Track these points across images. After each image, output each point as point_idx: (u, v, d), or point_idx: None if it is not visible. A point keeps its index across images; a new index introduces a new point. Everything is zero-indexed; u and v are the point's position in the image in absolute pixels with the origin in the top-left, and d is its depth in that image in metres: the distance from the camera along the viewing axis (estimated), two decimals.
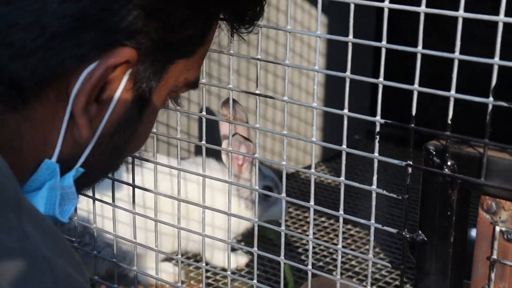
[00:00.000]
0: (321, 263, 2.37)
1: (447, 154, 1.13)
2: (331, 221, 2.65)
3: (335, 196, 2.84)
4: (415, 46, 1.10)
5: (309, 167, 3.18)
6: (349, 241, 2.54)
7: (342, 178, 1.23)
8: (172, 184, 2.21)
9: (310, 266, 1.32)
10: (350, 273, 2.31)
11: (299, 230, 2.59)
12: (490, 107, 1.06)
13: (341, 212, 1.25)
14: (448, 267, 1.16)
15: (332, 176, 3.08)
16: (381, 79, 1.16)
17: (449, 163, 1.13)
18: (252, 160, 2.36)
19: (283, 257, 1.35)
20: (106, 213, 1.96)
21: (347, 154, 1.22)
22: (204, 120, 1.40)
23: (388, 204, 2.79)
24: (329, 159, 3.28)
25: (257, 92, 1.29)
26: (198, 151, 2.73)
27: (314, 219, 2.65)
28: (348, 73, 1.19)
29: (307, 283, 2.18)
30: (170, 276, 2.24)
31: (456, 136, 1.11)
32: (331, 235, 2.57)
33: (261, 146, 3.02)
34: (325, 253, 2.43)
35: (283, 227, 1.33)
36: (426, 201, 1.16)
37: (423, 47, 1.10)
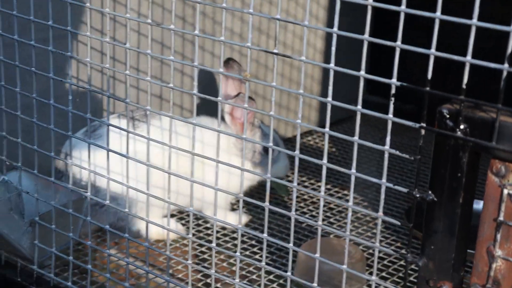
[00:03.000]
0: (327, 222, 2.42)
1: (460, 118, 1.17)
2: (328, 186, 2.69)
3: (331, 162, 2.89)
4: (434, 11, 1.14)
5: (309, 132, 3.25)
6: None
7: (356, 137, 1.27)
8: (176, 142, 2.24)
9: (320, 222, 1.37)
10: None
11: (305, 196, 2.63)
12: (504, 73, 1.10)
13: (353, 170, 1.29)
14: (455, 227, 1.21)
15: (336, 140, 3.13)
16: (398, 42, 1.20)
17: (461, 126, 1.17)
18: (254, 120, 2.39)
19: (293, 212, 1.39)
20: (111, 167, 1.99)
21: (345, 122, 1.27)
22: (221, 77, 1.43)
23: (395, 172, 2.83)
24: (337, 122, 3.31)
25: (275, 51, 1.33)
26: (199, 111, 2.76)
27: (317, 185, 2.70)
28: (366, 35, 1.22)
29: (307, 243, 2.23)
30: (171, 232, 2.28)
31: (470, 100, 1.15)
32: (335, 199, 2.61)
33: (276, 103, 3.07)
34: (323, 216, 2.48)
35: (295, 183, 1.37)
36: (437, 162, 1.21)
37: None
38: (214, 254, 1.53)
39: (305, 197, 2.62)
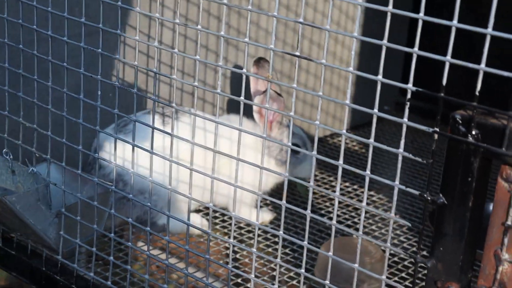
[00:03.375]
0: (342, 225, 2.45)
1: (473, 124, 1.20)
2: (355, 186, 2.72)
3: (360, 163, 2.91)
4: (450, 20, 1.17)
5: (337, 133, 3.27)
6: (371, 206, 2.62)
7: (371, 140, 1.30)
8: (205, 139, 2.29)
9: (334, 221, 1.40)
10: (369, 237, 2.38)
11: (330, 196, 2.67)
12: None
13: (368, 172, 1.32)
14: (465, 230, 1.24)
15: (359, 143, 3.15)
16: (415, 48, 1.23)
17: (473, 132, 1.20)
18: (282, 119, 2.43)
19: (309, 211, 1.42)
20: (140, 162, 2.03)
21: (376, 123, 1.30)
22: (244, 77, 1.47)
23: (411, 174, 2.86)
24: (357, 127, 3.35)
25: (297, 53, 1.36)
26: (229, 109, 2.81)
27: (344, 185, 2.73)
28: (385, 41, 1.25)
29: (329, 242, 2.25)
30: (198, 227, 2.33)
31: (482, 107, 1.18)
32: (354, 200, 2.65)
33: (308, 103, 3.10)
34: (347, 216, 2.51)
35: (312, 183, 1.40)
36: (449, 167, 1.23)
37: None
38: (231, 251, 1.57)
39: (331, 197, 2.65)
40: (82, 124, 1.72)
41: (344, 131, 1.35)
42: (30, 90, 1.82)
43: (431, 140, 1.26)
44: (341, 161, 1.36)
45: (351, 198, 2.67)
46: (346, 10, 3.10)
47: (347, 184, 2.77)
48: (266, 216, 2.49)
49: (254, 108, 2.38)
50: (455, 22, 1.17)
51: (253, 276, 1.55)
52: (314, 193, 2.65)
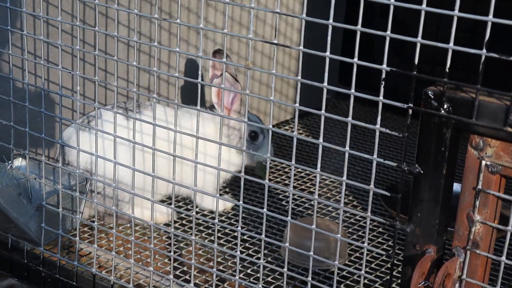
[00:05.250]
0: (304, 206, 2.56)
1: (444, 98, 1.32)
2: (311, 176, 2.83)
3: (309, 150, 3.03)
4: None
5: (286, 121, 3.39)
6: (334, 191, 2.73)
7: (350, 118, 1.41)
8: (168, 132, 2.37)
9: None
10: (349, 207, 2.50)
11: (280, 181, 2.77)
12: (483, 57, 1.25)
13: (347, 148, 1.43)
14: (439, 196, 1.36)
15: (306, 131, 3.27)
16: (388, 32, 1.34)
17: (445, 106, 1.32)
18: (240, 108, 2.51)
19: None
20: (108, 155, 2.09)
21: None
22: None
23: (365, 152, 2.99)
24: (302, 115, 3.46)
25: (275, 41, 1.46)
26: (183, 100, 2.88)
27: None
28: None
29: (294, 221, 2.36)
30: (163, 216, 2.41)
31: (452, 82, 1.30)
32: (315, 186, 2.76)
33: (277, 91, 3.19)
34: (324, 190, 2.62)
35: (293, 162, 1.50)
36: (423, 138, 1.35)
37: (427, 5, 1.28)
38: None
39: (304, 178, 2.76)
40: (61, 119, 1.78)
41: (323, 111, 1.46)
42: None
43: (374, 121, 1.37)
44: (321, 140, 1.47)
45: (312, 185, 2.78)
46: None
47: (302, 174, 2.88)
48: (228, 203, 2.57)
49: (213, 93, 2.45)
50: (424, 5, 1.29)
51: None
52: (275, 177, 2.76)
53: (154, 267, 1.99)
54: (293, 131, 3.32)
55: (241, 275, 2.05)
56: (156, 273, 1.84)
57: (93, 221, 1.88)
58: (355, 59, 1.39)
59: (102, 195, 2.29)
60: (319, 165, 1.49)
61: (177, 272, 2.03)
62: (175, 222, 2.42)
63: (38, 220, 1.90)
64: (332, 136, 3.20)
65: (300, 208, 2.54)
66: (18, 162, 2.04)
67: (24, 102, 1.84)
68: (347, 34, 3.49)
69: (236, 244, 2.24)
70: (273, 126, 3.27)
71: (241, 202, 1.62)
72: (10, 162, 1.94)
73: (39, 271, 1.93)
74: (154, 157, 1.75)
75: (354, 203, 2.62)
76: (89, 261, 2.04)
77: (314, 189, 2.68)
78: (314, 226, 1.54)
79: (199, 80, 1.64)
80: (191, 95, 2.75)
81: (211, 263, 2.13)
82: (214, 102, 2.47)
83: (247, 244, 2.28)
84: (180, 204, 2.56)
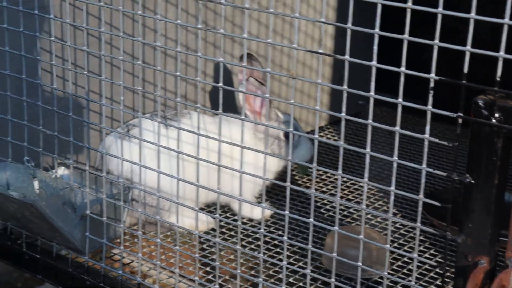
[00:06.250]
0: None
1: (495, 107, 1.31)
2: (349, 184, 2.82)
3: (350, 155, 3.02)
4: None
5: (321, 127, 3.39)
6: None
7: (397, 127, 1.41)
8: (207, 140, 2.37)
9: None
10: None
11: (317, 188, 2.76)
12: None
13: (395, 157, 1.43)
14: (492, 206, 1.35)
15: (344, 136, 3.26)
16: (436, 41, 1.33)
17: (496, 115, 1.31)
18: (269, 113, 2.50)
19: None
20: (147, 164, 2.10)
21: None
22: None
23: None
24: (335, 122, 3.45)
25: (321, 51, 1.46)
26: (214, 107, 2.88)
27: (335, 180, 2.83)
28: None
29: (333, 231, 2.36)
30: (203, 224, 2.41)
31: (503, 91, 1.29)
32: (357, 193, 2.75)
33: (305, 94, 3.18)
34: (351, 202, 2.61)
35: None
36: (474, 148, 1.35)
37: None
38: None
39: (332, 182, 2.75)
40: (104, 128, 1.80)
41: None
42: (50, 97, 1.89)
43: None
44: (368, 149, 1.46)
45: (353, 191, 2.77)
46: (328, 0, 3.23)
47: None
48: (267, 210, 2.57)
49: (240, 99, 2.43)
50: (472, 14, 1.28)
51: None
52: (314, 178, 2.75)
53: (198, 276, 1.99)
54: (328, 138, 3.35)
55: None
56: (200, 282, 1.84)
57: (135, 230, 1.88)
58: (402, 68, 1.38)
59: (142, 204, 2.30)
60: (366, 174, 1.48)
61: (220, 281, 2.03)
62: (214, 230, 2.42)
63: (82, 229, 1.91)
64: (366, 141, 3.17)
65: (330, 213, 2.54)
66: (61, 171, 2.05)
67: (65, 111, 1.86)
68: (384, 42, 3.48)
69: (277, 253, 2.24)
70: (307, 132, 3.30)
71: (287, 212, 1.62)
72: (54, 171, 1.95)
73: (84, 280, 1.95)
74: (198, 166, 1.76)
75: (394, 210, 2.61)
76: (133, 269, 2.05)
77: (352, 196, 2.68)
78: (362, 236, 1.53)
79: (220, 84, 1.64)
80: (227, 103, 2.76)
81: (252, 272, 2.13)
82: (245, 109, 2.46)
83: (286, 253, 2.27)
84: (219, 212, 2.56)
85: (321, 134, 3.34)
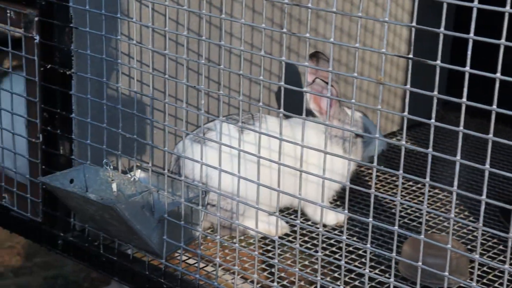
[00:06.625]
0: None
1: None
2: (418, 185, 2.78)
3: (419, 163, 2.97)
4: None
5: (393, 133, 3.35)
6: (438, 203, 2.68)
7: (490, 135, 1.37)
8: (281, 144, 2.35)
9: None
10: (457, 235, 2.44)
11: (391, 194, 2.73)
12: None
13: (487, 166, 1.38)
14: None
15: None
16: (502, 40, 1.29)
17: None
18: (339, 114, 2.47)
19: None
20: (223, 167, 2.09)
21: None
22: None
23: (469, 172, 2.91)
24: (410, 127, 3.41)
25: (411, 56, 1.43)
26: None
27: (409, 186, 2.79)
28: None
29: (412, 238, 2.32)
30: (278, 228, 2.40)
31: None
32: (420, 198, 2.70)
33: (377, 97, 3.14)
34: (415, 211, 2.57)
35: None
36: None
37: None
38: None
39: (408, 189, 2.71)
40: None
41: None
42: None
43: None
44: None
45: (417, 196, 2.73)
46: (402, 4, 3.19)
47: (410, 183, 2.82)
48: (341, 216, 2.53)
49: (309, 100, 2.40)
50: None
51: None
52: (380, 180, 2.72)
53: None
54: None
55: None
56: None
57: (210, 234, 1.88)
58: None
59: (216, 208, 2.30)
60: (455, 183, 1.44)
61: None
62: (288, 235, 2.40)
63: (160, 232, 1.91)
64: (442, 148, 3.12)
65: (405, 220, 2.50)
66: (137, 174, 2.06)
67: (142, 114, 1.87)
68: (456, 43, 3.42)
69: (352, 259, 2.21)
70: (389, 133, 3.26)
71: (370, 219, 1.59)
72: (133, 174, 1.96)
73: (161, 283, 1.95)
74: (280, 172, 1.75)
75: (465, 212, 2.56)
76: (208, 273, 2.04)
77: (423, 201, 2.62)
78: (449, 246, 1.50)
79: (282, 83, 1.63)
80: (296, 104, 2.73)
81: (328, 278, 2.10)
82: (312, 108, 2.43)
83: (353, 256, 2.24)
84: (292, 216, 2.54)
85: (394, 139, 3.29)
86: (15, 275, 3.99)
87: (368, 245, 1.60)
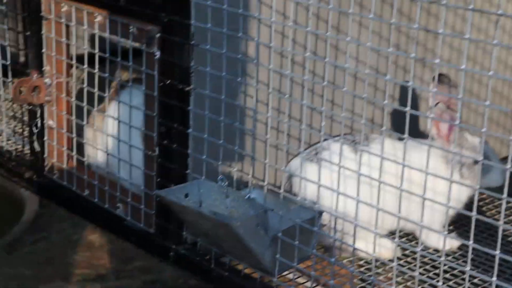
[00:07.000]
0: None
1: None
2: None
3: None
4: None
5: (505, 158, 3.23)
6: None
7: None
8: (396, 165, 2.31)
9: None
10: None
11: None
12: None
13: None
14: None
15: None
16: None
17: None
18: (459, 139, 2.40)
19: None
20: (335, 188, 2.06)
21: None
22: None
23: None
24: None
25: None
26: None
27: None
28: None
29: None
30: (388, 251, 2.36)
31: None
32: None
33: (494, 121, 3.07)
34: None
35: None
36: None
37: None
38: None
39: None
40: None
41: None
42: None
43: None
44: None
45: None
46: None
47: None
48: (455, 242, 2.47)
49: (431, 124, 2.36)
50: None
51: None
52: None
53: None
54: None
55: None
56: None
57: (323, 255, 1.86)
58: None
59: (328, 228, 2.28)
60: None
61: None
62: (399, 259, 2.36)
63: (273, 250, 1.91)
64: None
65: None
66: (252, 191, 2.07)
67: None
68: None
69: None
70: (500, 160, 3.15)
71: (471, 242, 1.54)
72: (248, 192, 1.97)
73: None
74: (400, 197, 1.72)
75: None
76: None
77: None
78: None
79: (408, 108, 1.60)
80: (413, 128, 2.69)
81: None
82: (432, 132, 2.39)
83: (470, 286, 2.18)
84: (403, 240, 2.50)
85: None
86: (116, 278, 4.08)
87: (494, 278, 1.55)
